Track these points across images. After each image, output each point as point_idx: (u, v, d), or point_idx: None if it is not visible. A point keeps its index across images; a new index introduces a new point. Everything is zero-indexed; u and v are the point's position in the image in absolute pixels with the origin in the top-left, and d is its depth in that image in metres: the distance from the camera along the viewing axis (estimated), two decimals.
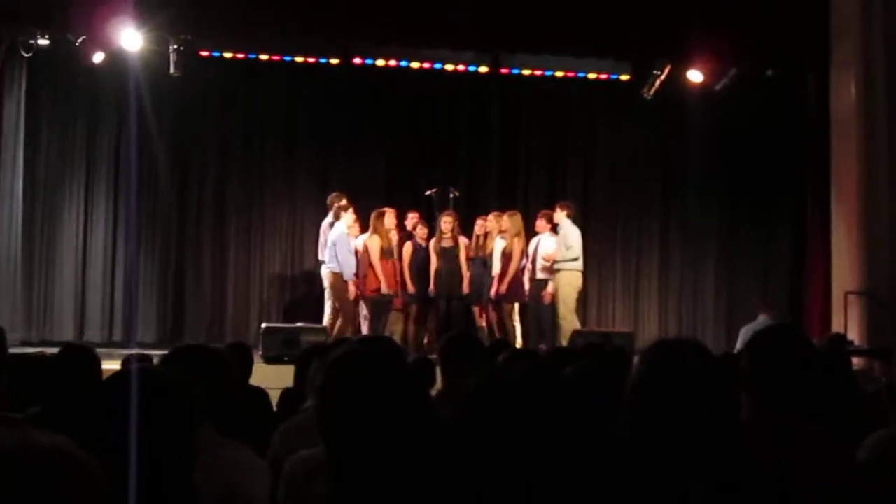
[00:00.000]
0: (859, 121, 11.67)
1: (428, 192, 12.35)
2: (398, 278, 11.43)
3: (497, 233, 11.58)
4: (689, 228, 14.00)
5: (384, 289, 11.11)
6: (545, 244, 11.50)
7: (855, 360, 10.02)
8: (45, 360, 4.70)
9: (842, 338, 9.19)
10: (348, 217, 11.27)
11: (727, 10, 11.47)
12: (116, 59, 11.56)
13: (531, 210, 12.47)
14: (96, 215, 13.02)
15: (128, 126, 12.46)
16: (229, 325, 13.29)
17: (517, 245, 11.37)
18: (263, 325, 11.04)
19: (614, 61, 13.31)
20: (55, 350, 4.70)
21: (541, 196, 13.69)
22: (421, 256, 11.61)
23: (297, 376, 5.31)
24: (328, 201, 11.66)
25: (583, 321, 12.08)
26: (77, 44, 11.48)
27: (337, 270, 11.11)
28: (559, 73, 13.81)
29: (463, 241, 11.71)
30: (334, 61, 13.16)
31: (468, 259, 11.63)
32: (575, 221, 11.63)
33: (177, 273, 13.27)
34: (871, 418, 3.75)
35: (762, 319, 11.21)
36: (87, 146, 13.01)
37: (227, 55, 13.04)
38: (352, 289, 11.20)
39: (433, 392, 4.80)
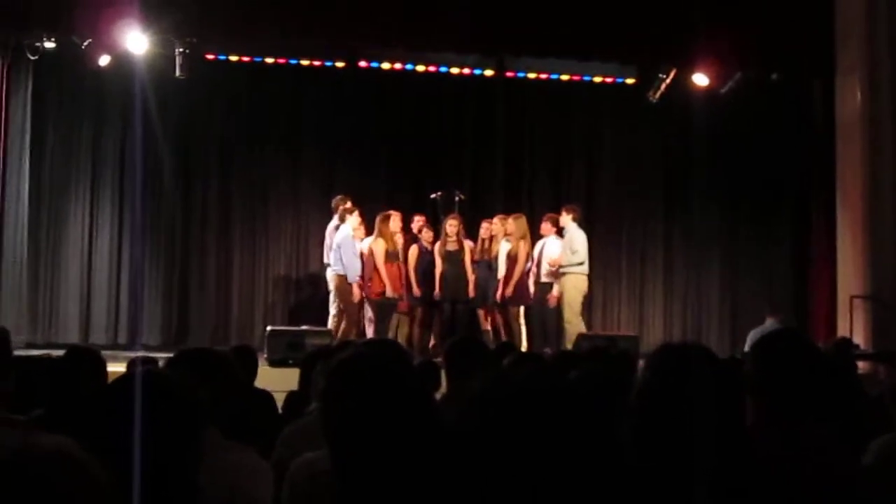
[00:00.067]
0: (864, 125, 11.66)
1: (433, 196, 12.36)
2: (403, 281, 11.42)
3: (502, 236, 11.57)
4: (694, 232, 13.98)
5: (389, 292, 11.11)
6: (550, 247, 11.50)
7: (860, 364, 9.99)
8: (50, 363, 4.71)
9: (848, 342, 9.19)
10: (353, 220, 11.27)
11: (732, 14, 11.45)
12: (122, 62, 11.57)
13: (536, 213, 12.47)
14: (102, 218, 13.04)
15: (133, 129, 12.48)
16: (234, 327, 13.30)
17: (522, 248, 11.36)
18: (268, 328, 11.04)
19: (620, 65, 13.29)
20: (60, 352, 4.71)
21: (546, 199, 13.68)
22: (426, 260, 11.60)
23: (302, 379, 5.31)
24: (333, 204, 11.66)
25: (588, 325, 12.07)
26: (83, 47, 11.49)
27: (342, 273, 11.11)
28: (564, 77, 13.81)
29: (468, 244, 11.69)
30: (339, 64, 13.18)
31: (473, 262, 11.62)
32: (580, 225, 11.62)
33: (182, 276, 13.29)
34: (875, 422, 3.74)
35: (770, 323, 11.18)
36: (92, 149, 13.03)
37: (233, 58, 13.07)
38: (356, 291, 11.20)
39: (438, 395, 4.80)
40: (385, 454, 2.06)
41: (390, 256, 11.17)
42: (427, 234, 11.78)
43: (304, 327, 11.17)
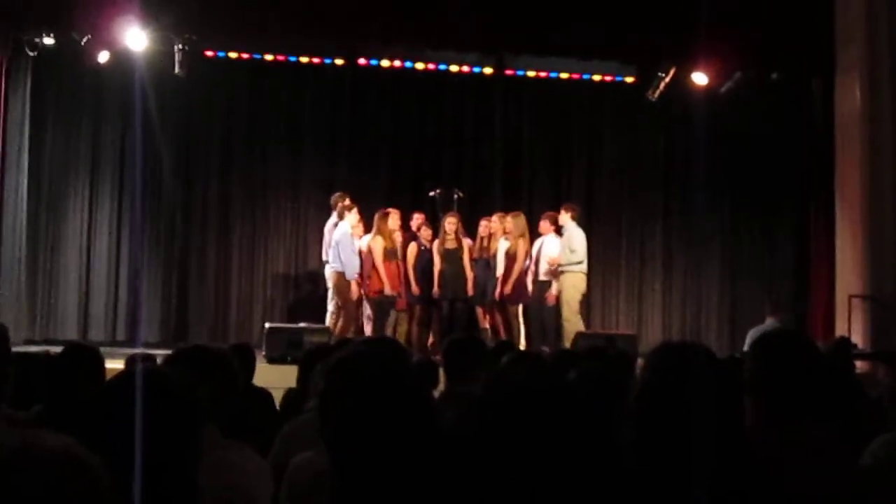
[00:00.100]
0: (864, 125, 11.66)
1: (432, 193, 12.36)
2: (401, 279, 11.42)
3: (501, 234, 11.57)
4: (693, 231, 14.00)
5: (387, 290, 11.10)
6: (549, 246, 11.50)
7: (859, 364, 10.00)
8: (48, 359, 4.70)
9: (847, 341, 9.18)
10: (352, 217, 11.26)
11: (732, 13, 11.44)
12: (121, 59, 11.57)
13: (535, 211, 12.47)
14: (101, 215, 13.04)
15: (132, 126, 12.48)
16: (233, 325, 13.31)
17: (521, 246, 11.36)
18: (267, 326, 11.04)
19: (619, 63, 13.30)
20: (59, 349, 4.70)
21: (545, 197, 13.69)
22: (425, 258, 11.59)
23: (301, 377, 5.31)
24: (332, 201, 11.66)
25: (586, 323, 12.07)
26: (82, 43, 11.48)
27: (340, 270, 11.10)
28: (564, 75, 13.82)
29: (467, 242, 11.69)
30: (339, 62, 13.19)
31: (471, 260, 11.61)
32: (579, 223, 11.62)
33: (181, 273, 13.29)
34: (874, 423, 3.74)
35: (770, 322, 11.18)
36: (91, 146, 13.03)
37: (233, 55, 13.07)
38: (354, 288, 11.19)
39: (437, 394, 4.80)
40: (383, 453, 2.06)
41: (389, 254, 11.16)
42: (426, 232, 11.78)
43: (302, 325, 11.16)
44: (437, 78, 13.68)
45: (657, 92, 12.89)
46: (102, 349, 4.91)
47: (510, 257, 11.36)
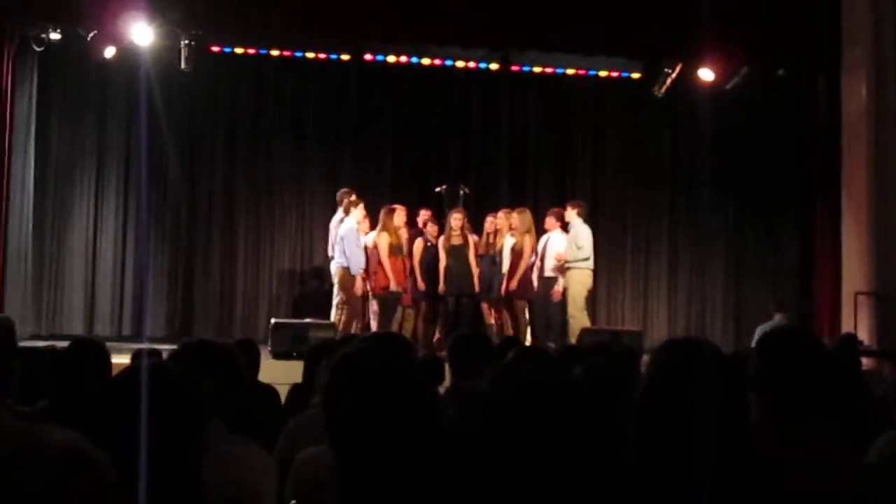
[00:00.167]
0: (870, 122, 11.64)
1: (438, 189, 12.35)
2: (407, 275, 11.42)
3: (507, 230, 11.57)
4: (699, 227, 13.98)
5: (393, 286, 11.10)
6: (554, 242, 11.49)
7: (864, 361, 10.00)
8: (54, 354, 4.71)
9: (853, 338, 9.16)
10: (358, 212, 11.26)
11: (738, 9, 11.43)
12: (127, 54, 11.58)
13: (541, 207, 12.46)
14: (106, 210, 13.06)
15: (138, 121, 12.50)
16: (238, 320, 13.33)
17: (527, 242, 11.36)
18: (272, 321, 11.04)
19: (625, 59, 13.28)
20: (65, 344, 4.71)
21: (550, 194, 13.69)
22: (431, 254, 11.59)
23: (306, 372, 5.32)
24: (338, 197, 11.65)
25: (592, 319, 12.06)
26: (88, 38, 11.50)
27: (345, 265, 11.11)
28: (570, 71, 13.79)
29: (472, 238, 11.69)
30: (345, 57, 13.16)
31: (477, 256, 11.61)
32: (585, 220, 11.61)
33: (186, 268, 13.31)
34: (880, 420, 3.73)
35: (778, 319, 11.18)
36: (97, 141, 13.05)
37: (238, 51, 13.06)
38: (359, 283, 11.19)
39: (442, 389, 4.80)
40: (387, 449, 2.06)
41: (394, 250, 11.16)
42: (432, 229, 11.77)
43: (307, 320, 11.17)
44: (443, 74, 13.66)
45: (663, 88, 12.88)
46: (108, 344, 4.92)
47: (516, 253, 11.35)
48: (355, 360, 2.21)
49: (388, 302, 11.25)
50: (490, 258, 11.61)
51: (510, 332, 11.10)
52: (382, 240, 11.13)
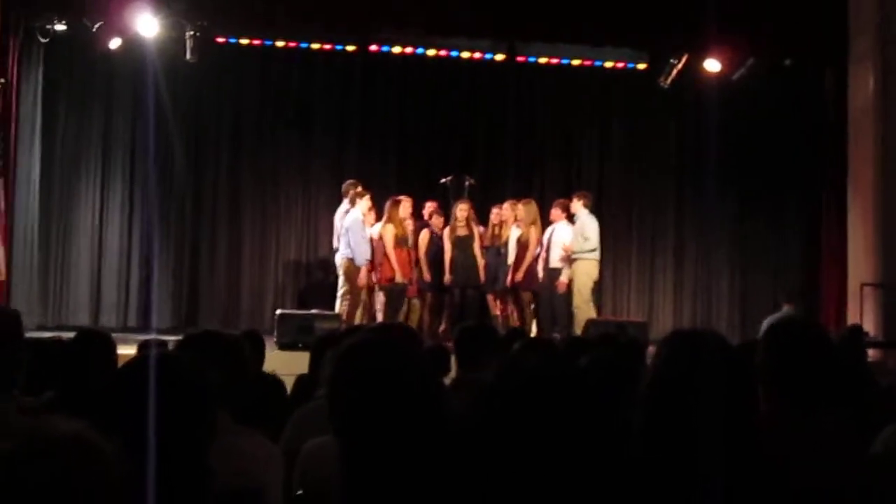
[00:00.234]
0: (876, 114, 11.63)
1: (443, 181, 12.35)
2: (412, 267, 11.41)
3: (512, 221, 11.56)
4: (704, 218, 13.95)
5: (398, 277, 11.10)
6: (560, 233, 11.48)
7: (870, 352, 10.00)
8: (60, 345, 4.72)
9: (859, 330, 9.17)
10: (363, 204, 11.25)
11: (745, 0, 11.41)
12: (133, 45, 11.57)
13: (546, 199, 12.45)
14: (112, 201, 13.07)
15: (144, 112, 12.47)
16: (244, 311, 13.34)
17: (533, 234, 11.35)
18: (278, 312, 11.05)
19: (631, 50, 13.27)
20: (71, 335, 4.72)
21: (556, 185, 13.68)
22: (437, 245, 11.59)
23: (312, 363, 5.32)
24: (343, 189, 11.64)
25: (598, 310, 12.05)
26: (94, 29, 11.49)
27: (350, 256, 11.11)
28: (576, 62, 13.78)
29: (478, 229, 11.68)
30: (350, 48, 13.16)
31: (483, 248, 11.61)
32: (592, 211, 11.60)
33: (192, 259, 13.32)
34: (886, 412, 3.73)
35: (786, 310, 11.17)
36: (103, 132, 13.05)
37: (244, 41, 13.07)
38: (363, 274, 11.18)
39: (448, 381, 4.80)
40: (392, 440, 2.06)
41: (400, 242, 11.15)
42: (437, 220, 11.76)
43: (313, 311, 11.19)
44: (449, 65, 13.65)
45: (669, 79, 12.85)
46: (114, 335, 4.93)
47: (522, 245, 11.35)
48: (360, 351, 2.21)
49: (394, 293, 11.25)
50: (495, 249, 11.61)
51: (516, 323, 11.11)
52: (388, 231, 11.12)
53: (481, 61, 13.55)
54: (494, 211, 11.83)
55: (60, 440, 1.30)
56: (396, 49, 13.21)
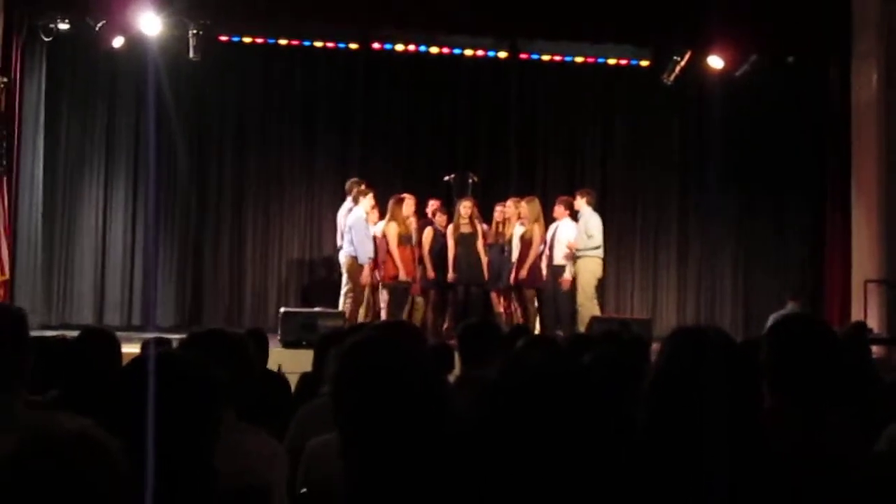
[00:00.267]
0: (880, 110, 11.62)
1: (446, 178, 12.35)
2: (416, 264, 11.41)
3: (516, 219, 11.55)
4: (708, 215, 13.93)
5: (402, 275, 11.10)
6: (563, 230, 11.47)
7: (875, 349, 9.99)
8: (64, 344, 4.72)
9: (863, 326, 9.16)
10: (367, 202, 11.26)
11: None
12: (136, 44, 11.58)
13: (549, 196, 12.44)
14: (116, 199, 13.08)
15: (147, 111, 12.48)
16: (248, 309, 13.34)
17: (536, 231, 11.34)
18: (282, 310, 11.07)
19: (634, 47, 13.25)
20: (75, 333, 4.72)
21: (559, 182, 13.66)
22: (440, 243, 11.59)
23: (317, 361, 5.33)
24: (347, 187, 11.64)
25: (601, 308, 12.05)
26: (97, 28, 11.51)
27: (353, 254, 11.12)
28: (578, 59, 13.75)
29: (482, 227, 11.68)
30: (353, 46, 13.16)
31: (486, 245, 11.61)
32: (595, 209, 11.60)
33: (195, 257, 13.32)
34: (890, 408, 3.73)
35: (791, 307, 11.18)
36: (106, 131, 13.06)
37: (247, 40, 13.07)
38: (366, 272, 11.19)
39: (452, 378, 4.81)
40: (396, 438, 2.06)
41: (403, 240, 11.15)
42: (441, 218, 11.76)
43: (317, 309, 11.20)
44: (452, 62, 13.63)
45: (672, 76, 12.83)
46: (118, 334, 4.93)
47: (525, 242, 11.34)
48: (364, 349, 2.22)
49: (398, 291, 11.25)
50: (499, 247, 11.60)
51: (519, 320, 11.10)
52: (391, 229, 11.13)
53: (484, 59, 13.54)
54: (498, 208, 11.82)
55: (66, 438, 1.31)
56: (399, 47, 13.20)
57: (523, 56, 13.41)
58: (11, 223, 11.26)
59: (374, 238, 11.24)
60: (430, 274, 11.51)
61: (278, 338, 10.17)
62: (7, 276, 11.03)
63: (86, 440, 1.32)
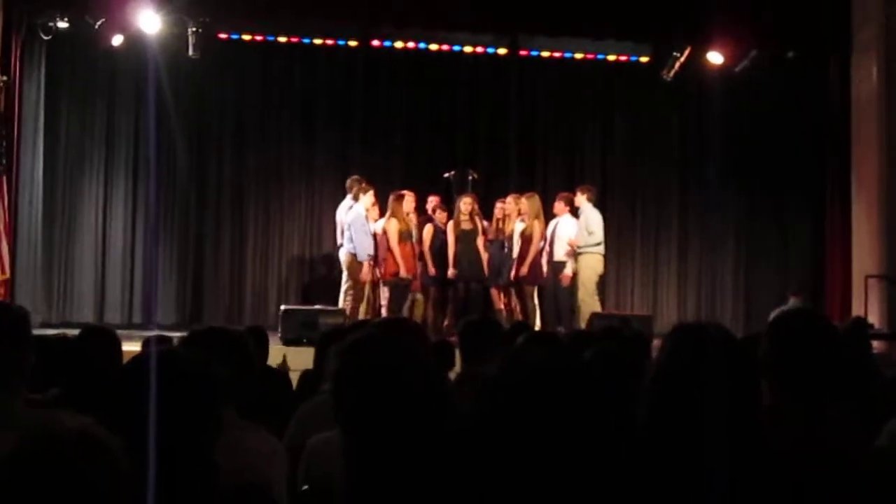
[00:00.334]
0: (880, 105, 11.61)
1: (446, 175, 12.35)
2: (416, 261, 11.42)
3: (516, 215, 11.56)
4: (708, 211, 13.93)
5: (403, 272, 11.10)
6: (563, 226, 11.48)
7: (875, 344, 9.98)
8: (65, 342, 4.73)
9: (863, 321, 9.15)
10: (367, 199, 11.27)
11: None
12: (135, 42, 11.57)
13: (550, 192, 12.44)
14: (116, 197, 13.08)
15: (146, 109, 12.47)
16: (248, 306, 13.35)
17: (536, 227, 11.34)
18: (282, 308, 11.08)
19: (634, 43, 13.23)
20: (75, 332, 4.72)
21: (559, 178, 13.66)
22: (441, 239, 11.60)
23: (317, 358, 5.33)
24: (348, 184, 11.65)
25: (602, 304, 12.05)
26: (96, 26, 11.50)
27: (353, 252, 11.13)
28: (578, 55, 13.74)
29: (482, 223, 11.68)
30: (353, 43, 13.15)
31: (486, 241, 11.62)
32: (595, 205, 11.60)
33: (196, 255, 13.32)
34: (890, 403, 3.73)
35: (793, 302, 11.17)
36: (106, 129, 13.06)
37: (246, 37, 13.07)
38: (365, 269, 11.20)
39: (452, 375, 4.81)
40: (396, 435, 2.06)
41: (403, 236, 11.15)
42: (441, 215, 11.77)
43: (317, 306, 11.21)
44: (451, 59, 13.63)
45: (672, 72, 12.82)
46: (119, 332, 4.93)
47: (525, 238, 11.34)
48: (365, 347, 2.22)
49: (399, 288, 11.25)
50: (499, 243, 11.61)
51: (520, 317, 11.11)
52: (392, 226, 11.13)
53: (484, 56, 13.55)
54: (498, 205, 11.83)
55: (66, 436, 1.31)
56: (399, 44, 13.19)
57: (523, 53, 13.40)
58: (11, 222, 11.26)
59: (375, 235, 11.25)
60: (431, 270, 11.52)
61: (279, 335, 10.17)
62: (7, 274, 11.03)
63: (86, 438, 1.32)
